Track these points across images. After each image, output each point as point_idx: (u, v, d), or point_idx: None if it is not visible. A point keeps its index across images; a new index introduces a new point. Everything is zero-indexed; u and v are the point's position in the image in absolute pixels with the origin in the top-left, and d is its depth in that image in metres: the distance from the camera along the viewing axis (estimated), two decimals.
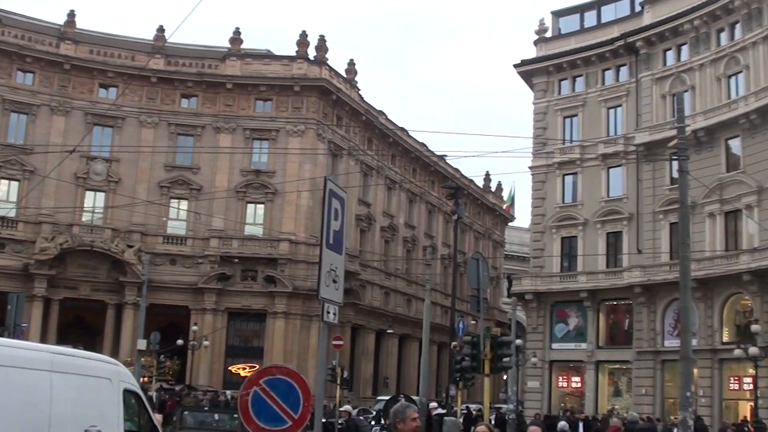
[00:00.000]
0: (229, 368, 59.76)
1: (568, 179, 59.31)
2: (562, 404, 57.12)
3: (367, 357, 68.15)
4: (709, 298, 49.51)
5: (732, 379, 49.07)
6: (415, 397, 40.43)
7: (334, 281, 10.38)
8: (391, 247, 72.39)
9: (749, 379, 45.59)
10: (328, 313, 10.40)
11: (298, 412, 9.55)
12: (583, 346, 56.00)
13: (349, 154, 65.40)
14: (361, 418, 33.87)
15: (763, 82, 48.42)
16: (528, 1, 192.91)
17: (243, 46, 64.83)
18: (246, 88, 62.47)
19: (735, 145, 50.55)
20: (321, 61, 63.24)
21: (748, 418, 44.33)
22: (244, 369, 57.24)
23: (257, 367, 46.53)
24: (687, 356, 23.26)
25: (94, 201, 60.25)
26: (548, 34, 62.43)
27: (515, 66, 61.98)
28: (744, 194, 48.77)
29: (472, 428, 33.78)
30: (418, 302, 72.42)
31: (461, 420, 38.13)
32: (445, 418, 31.69)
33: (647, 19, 56.06)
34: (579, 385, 57.17)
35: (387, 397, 52.24)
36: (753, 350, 39.87)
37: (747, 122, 48.61)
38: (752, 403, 44.36)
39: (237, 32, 64.58)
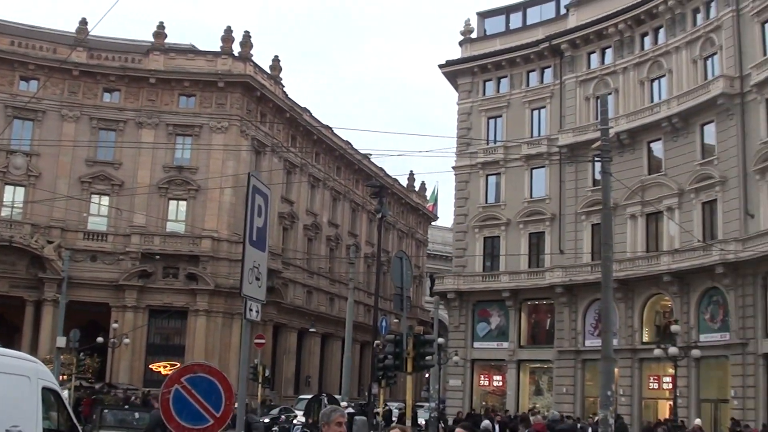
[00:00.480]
0: (150, 366, 58.08)
1: (492, 179, 59.00)
2: (484, 402, 56.76)
3: (289, 356, 66.99)
4: (630, 298, 49.65)
5: (651, 378, 49.29)
6: (337, 396, 39.69)
7: (257, 278, 10.08)
8: (314, 246, 71.32)
9: (668, 379, 45.78)
10: (251, 310, 10.07)
11: (219, 411, 9.22)
12: (505, 345, 55.70)
13: (272, 152, 64.13)
14: (252, 414, 32.90)
15: (685, 86, 48.71)
16: (455, 2, 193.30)
17: (167, 40, 63.16)
18: (169, 83, 60.79)
19: (657, 148, 50.76)
20: (245, 57, 61.90)
21: (668, 417, 44.40)
22: (165, 367, 55.66)
23: (178, 365, 45.18)
24: (608, 356, 23.26)
25: (13, 195, 57.93)
26: (474, 35, 62.05)
27: (440, 66, 61.48)
28: (665, 196, 48.96)
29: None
30: (340, 301, 71.51)
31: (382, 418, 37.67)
32: (355, 417, 31.12)
33: (572, 21, 56.06)
34: (500, 383, 56.88)
35: (308, 396, 51.48)
36: (673, 350, 39.76)
37: (669, 125, 48.78)
38: (671, 403, 44.39)
39: (161, 26, 62.92)
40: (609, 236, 25.22)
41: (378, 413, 37.83)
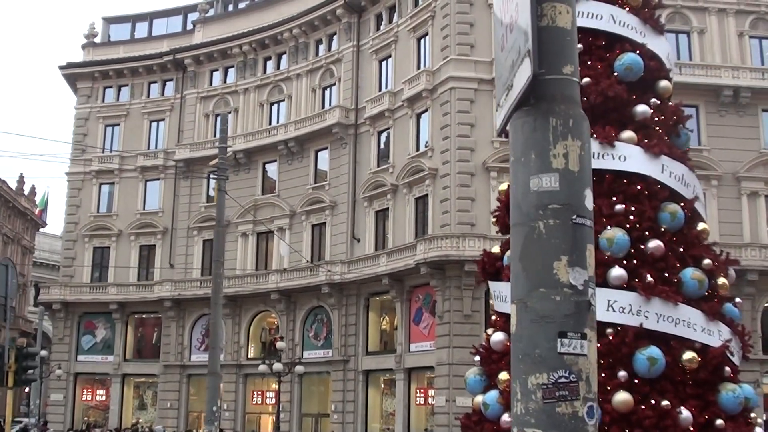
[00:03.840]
0: None
1: (105, 189, 54.00)
2: (86, 418, 51.66)
3: None
4: (238, 314, 47.76)
5: (256, 393, 47.74)
6: None
7: None
8: None
9: (272, 394, 44.67)
10: None
11: None
12: (110, 358, 51.08)
13: None
14: None
15: (303, 112, 47.77)
16: (81, 3, 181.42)
17: None
18: None
19: (272, 169, 49.29)
20: None
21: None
22: None
23: None
24: (215, 371, 22.49)
25: None
26: (98, 40, 56.74)
27: (60, 68, 55.32)
28: (277, 217, 47.61)
29: None
30: None
31: None
32: None
33: (198, 38, 53.11)
34: (104, 398, 51.91)
35: None
36: (277, 366, 38.07)
37: (285, 149, 47.52)
38: (274, 417, 42.75)
39: None
40: (221, 253, 24.08)
41: None
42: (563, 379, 3.42)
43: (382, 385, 42.41)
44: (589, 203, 3.62)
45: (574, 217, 3.55)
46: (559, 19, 3.76)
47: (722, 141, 38.13)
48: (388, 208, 42.04)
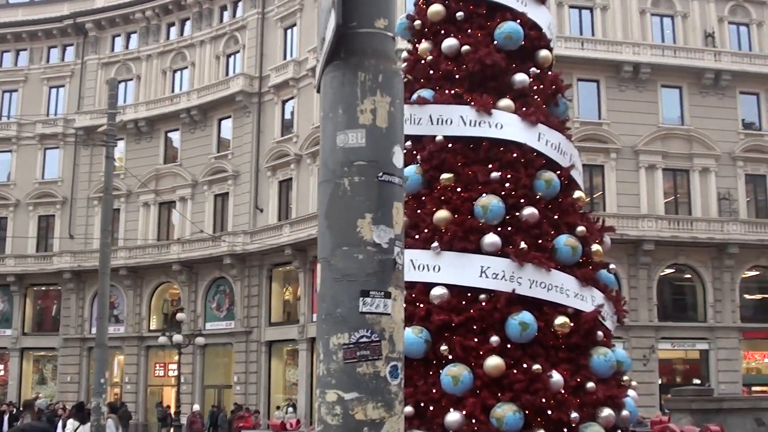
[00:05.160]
0: None
1: (3, 157, 52.33)
2: None
3: None
4: (139, 286, 47.03)
5: (158, 365, 47.10)
6: None
7: None
8: None
9: (174, 366, 43.71)
10: None
11: None
12: (8, 332, 49.72)
13: None
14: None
15: (207, 80, 46.89)
16: None
17: None
18: None
19: (174, 138, 48.41)
20: None
21: (171, 406, 42.04)
22: None
23: None
24: (102, 343, 21.99)
25: None
26: None
27: None
28: (179, 186, 46.82)
29: None
30: None
31: None
32: None
33: (99, 2, 51.45)
34: (2, 373, 50.48)
35: None
36: (177, 338, 37.83)
37: (188, 117, 46.66)
38: (176, 389, 42.10)
39: None
40: (109, 222, 23.70)
41: None
42: (364, 339, 3.36)
43: (285, 356, 42.40)
44: (398, 160, 3.54)
45: (381, 174, 3.47)
46: None
47: (622, 115, 38.69)
48: (291, 178, 41.71)
